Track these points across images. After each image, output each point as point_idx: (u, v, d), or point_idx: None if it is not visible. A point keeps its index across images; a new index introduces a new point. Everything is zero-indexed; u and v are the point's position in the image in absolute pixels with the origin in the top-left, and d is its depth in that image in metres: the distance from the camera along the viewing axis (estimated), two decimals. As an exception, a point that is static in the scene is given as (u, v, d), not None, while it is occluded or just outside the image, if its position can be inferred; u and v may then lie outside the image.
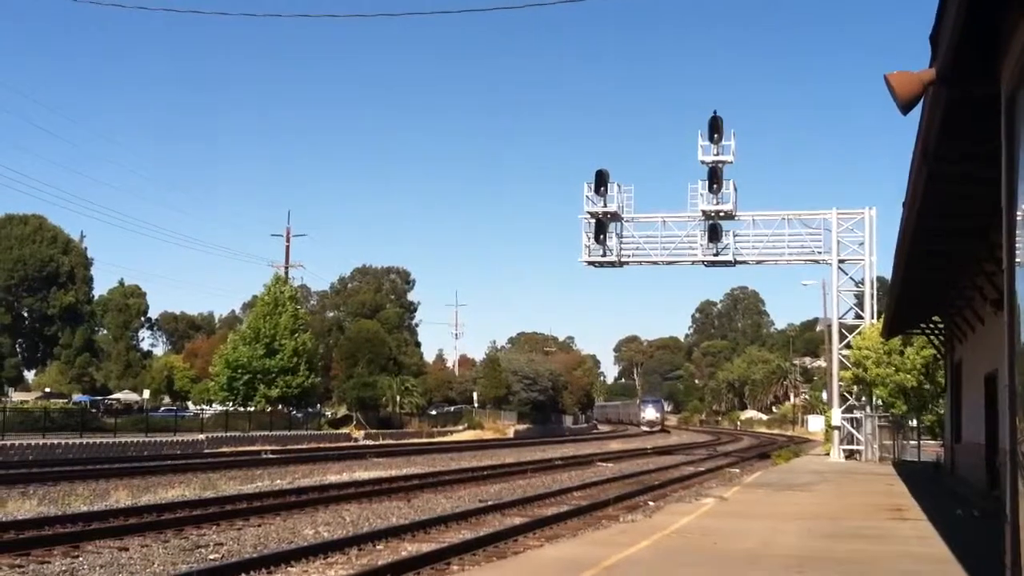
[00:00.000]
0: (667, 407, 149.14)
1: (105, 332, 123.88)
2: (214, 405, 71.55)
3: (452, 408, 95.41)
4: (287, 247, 72.82)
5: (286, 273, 72.04)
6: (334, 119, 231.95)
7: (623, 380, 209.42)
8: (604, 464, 39.83)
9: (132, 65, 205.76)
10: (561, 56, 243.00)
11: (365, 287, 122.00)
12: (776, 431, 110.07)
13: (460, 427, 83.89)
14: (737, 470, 37.72)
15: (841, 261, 44.90)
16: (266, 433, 55.92)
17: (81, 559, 13.47)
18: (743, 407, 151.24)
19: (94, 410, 64.81)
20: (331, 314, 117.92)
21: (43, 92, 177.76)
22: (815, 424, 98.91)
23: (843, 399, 44.97)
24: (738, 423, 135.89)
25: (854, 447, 43.92)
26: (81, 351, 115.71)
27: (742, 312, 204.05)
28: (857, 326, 44.32)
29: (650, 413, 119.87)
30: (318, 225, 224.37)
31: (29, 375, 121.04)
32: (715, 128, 43.03)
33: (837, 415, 44.55)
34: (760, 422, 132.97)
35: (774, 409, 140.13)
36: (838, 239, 44.69)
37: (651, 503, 22.80)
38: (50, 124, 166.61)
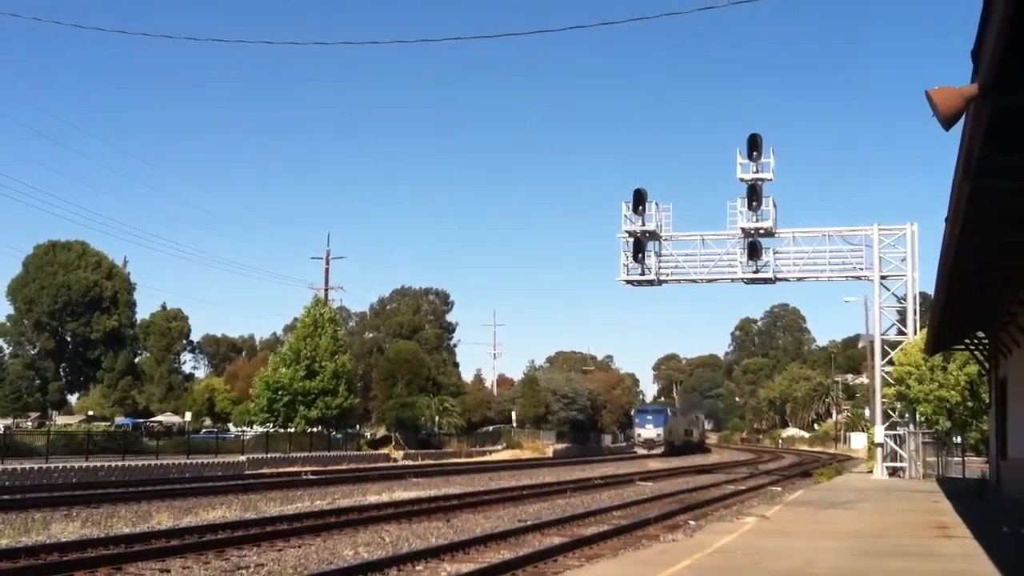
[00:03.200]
0: (707, 424, 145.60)
1: (147, 355, 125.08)
2: (255, 426, 71.96)
3: (491, 428, 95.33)
4: (326, 269, 73.26)
5: (326, 295, 72.43)
6: (372, 142, 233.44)
7: (662, 398, 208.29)
8: (644, 483, 39.59)
9: (170, 89, 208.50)
10: (600, 75, 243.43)
11: (404, 308, 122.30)
12: (818, 449, 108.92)
13: (499, 447, 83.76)
14: (779, 488, 37.34)
15: (883, 277, 44.46)
16: (306, 454, 56.10)
17: (124, 580, 13.57)
18: (784, 425, 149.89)
19: (136, 433, 65.34)
20: (370, 335, 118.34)
21: (81, 117, 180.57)
22: (858, 441, 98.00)
23: (886, 416, 44.45)
24: (779, 441, 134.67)
25: (897, 464, 43.36)
26: (124, 374, 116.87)
27: (783, 329, 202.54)
28: (900, 342, 43.83)
29: (648, 430, 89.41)
30: (357, 247, 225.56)
31: (72, 399, 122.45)
32: (754, 146, 42.85)
33: (880, 432, 44.04)
34: (802, 440, 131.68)
35: (816, 427, 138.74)
36: (880, 255, 44.27)
37: (692, 522, 22.62)
38: (89, 150, 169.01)
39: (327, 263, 73.22)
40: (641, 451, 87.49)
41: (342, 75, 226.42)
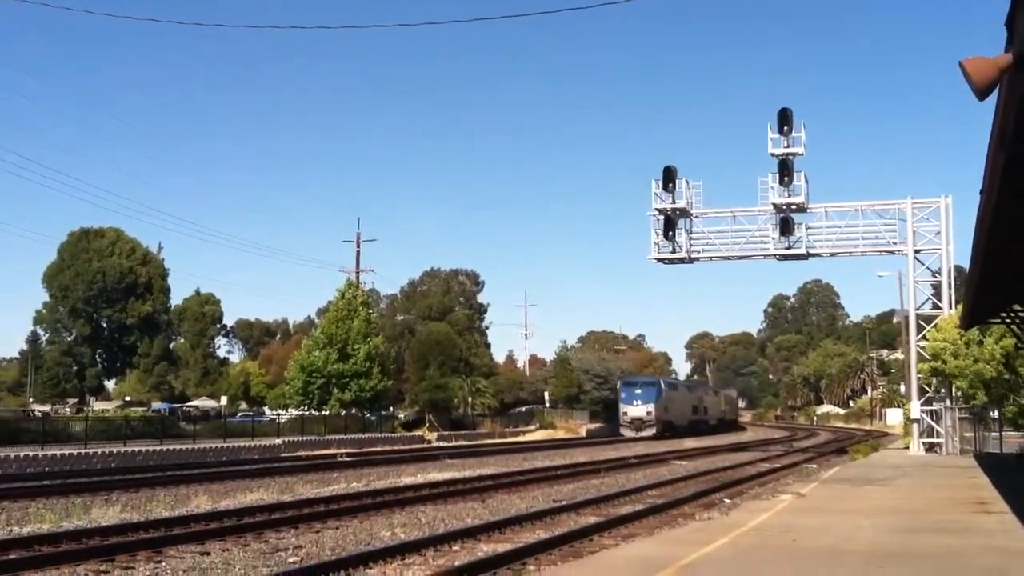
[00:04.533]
0: (741, 402, 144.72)
1: (182, 340, 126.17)
2: (290, 410, 72.52)
3: (523, 408, 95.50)
4: (358, 252, 73.51)
5: (357, 278, 72.71)
6: (400, 123, 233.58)
7: (695, 376, 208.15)
8: (679, 462, 39.56)
9: (200, 75, 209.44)
10: (626, 51, 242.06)
11: (434, 290, 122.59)
12: (853, 425, 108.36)
13: (532, 427, 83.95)
14: (814, 466, 37.21)
15: (917, 251, 44.05)
16: (341, 436, 56.49)
17: (164, 564, 13.73)
18: (819, 402, 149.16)
19: (173, 417, 65.99)
20: (401, 317, 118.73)
21: (113, 103, 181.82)
22: (893, 418, 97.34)
23: (922, 392, 44.12)
24: (814, 418, 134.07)
25: (934, 440, 43.08)
26: (159, 359, 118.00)
27: (816, 305, 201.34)
28: (934, 317, 43.46)
29: (636, 407, 73.56)
30: (387, 229, 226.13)
31: (109, 384, 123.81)
32: (785, 120, 42.49)
33: (916, 408, 43.74)
34: (837, 417, 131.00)
35: (851, 403, 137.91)
36: (913, 229, 43.86)
37: (727, 500, 22.59)
38: (121, 136, 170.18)
39: (358, 246, 73.49)
40: (628, 433, 71.54)
41: (372, 56, 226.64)
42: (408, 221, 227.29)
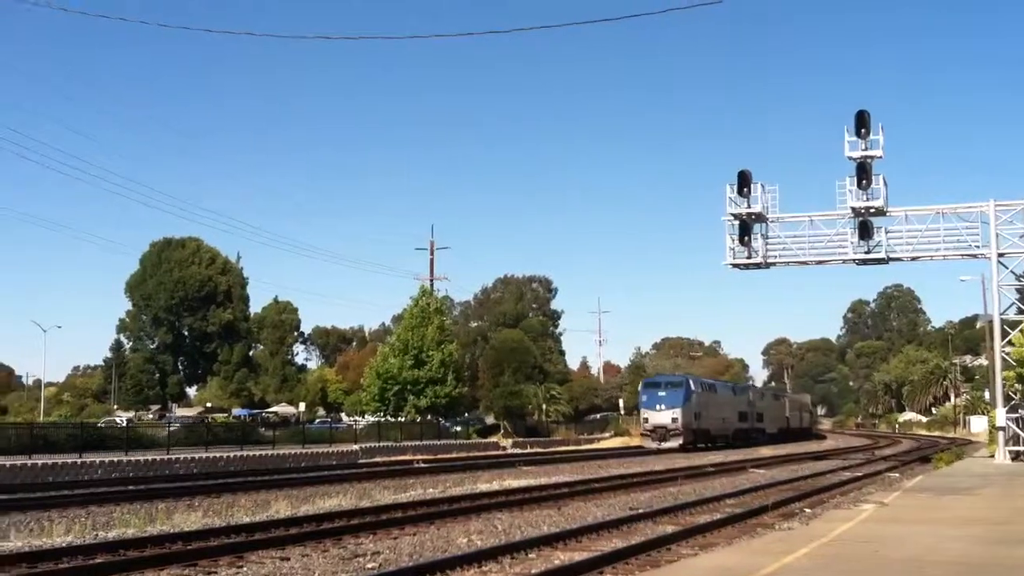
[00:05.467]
0: (819, 409, 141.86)
1: (261, 348, 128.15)
2: (366, 416, 73.26)
3: (598, 415, 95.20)
4: (431, 260, 74.04)
5: (431, 285, 73.21)
6: (473, 131, 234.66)
7: (773, 383, 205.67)
8: (756, 470, 39.08)
9: (275, 86, 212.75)
10: (700, 55, 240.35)
11: (508, 296, 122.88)
12: (936, 433, 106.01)
13: (606, 434, 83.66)
14: (897, 474, 36.47)
15: (1001, 255, 42.94)
16: (417, 443, 56.86)
17: (245, 569, 13.93)
18: (901, 409, 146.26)
19: (253, 423, 67.04)
20: (475, 324, 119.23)
21: (191, 115, 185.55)
22: (978, 425, 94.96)
23: (1007, 398, 42.99)
24: (896, 426, 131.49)
25: (1020, 448, 41.92)
26: (239, 367, 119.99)
27: (897, 311, 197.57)
28: (1020, 322, 42.35)
29: (659, 413, 62.02)
30: (460, 237, 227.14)
31: (191, 391, 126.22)
32: (862, 123, 41.74)
33: (1001, 415, 42.61)
34: (919, 424, 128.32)
35: (933, 410, 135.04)
36: (996, 232, 42.75)
37: (808, 510, 22.24)
38: (199, 148, 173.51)
39: (432, 253, 74.02)
40: (649, 444, 60.86)
41: (445, 64, 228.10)
42: (481, 228, 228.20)
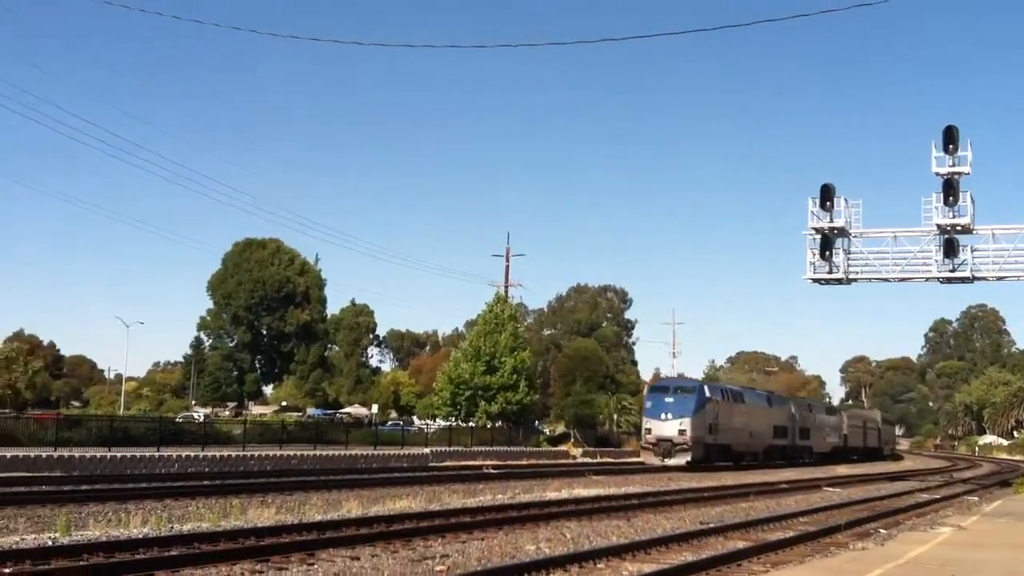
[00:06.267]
0: (898, 429, 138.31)
1: (337, 349, 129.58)
2: (438, 420, 73.62)
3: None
4: (507, 267, 74.21)
5: (506, 292, 73.36)
6: (550, 138, 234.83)
7: (850, 402, 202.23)
8: (831, 489, 38.42)
9: (359, 90, 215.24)
10: (786, 67, 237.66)
11: (581, 305, 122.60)
12: (1018, 457, 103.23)
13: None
14: (975, 498, 35.55)
15: (1092, 277, 41.70)
16: (487, 448, 56.98)
17: (316, 566, 14.06)
18: (981, 431, 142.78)
19: (327, 423, 67.82)
20: (548, 332, 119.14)
21: (275, 122, 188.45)
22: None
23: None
24: (976, 448, 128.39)
25: (1109, 477, 40.58)
26: (315, 367, 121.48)
27: (980, 331, 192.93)
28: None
29: (664, 423, 52.88)
30: (536, 244, 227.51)
31: (267, 389, 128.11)
32: (950, 139, 40.86)
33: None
34: (1000, 448, 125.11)
35: (1015, 434, 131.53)
36: (1088, 253, 41.52)
37: (883, 531, 21.78)
38: (284, 152, 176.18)
39: (507, 260, 74.18)
40: (651, 460, 52.30)
41: (524, 74, 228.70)
42: (556, 236, 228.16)
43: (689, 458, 51.29)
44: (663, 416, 52.68)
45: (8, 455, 32.02)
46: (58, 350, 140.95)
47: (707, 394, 54.86)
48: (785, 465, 60.87)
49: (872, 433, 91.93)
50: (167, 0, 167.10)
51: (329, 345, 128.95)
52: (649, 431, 53.44)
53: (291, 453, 42.27)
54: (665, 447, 51.83)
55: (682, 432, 51.72)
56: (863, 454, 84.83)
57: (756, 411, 62.24)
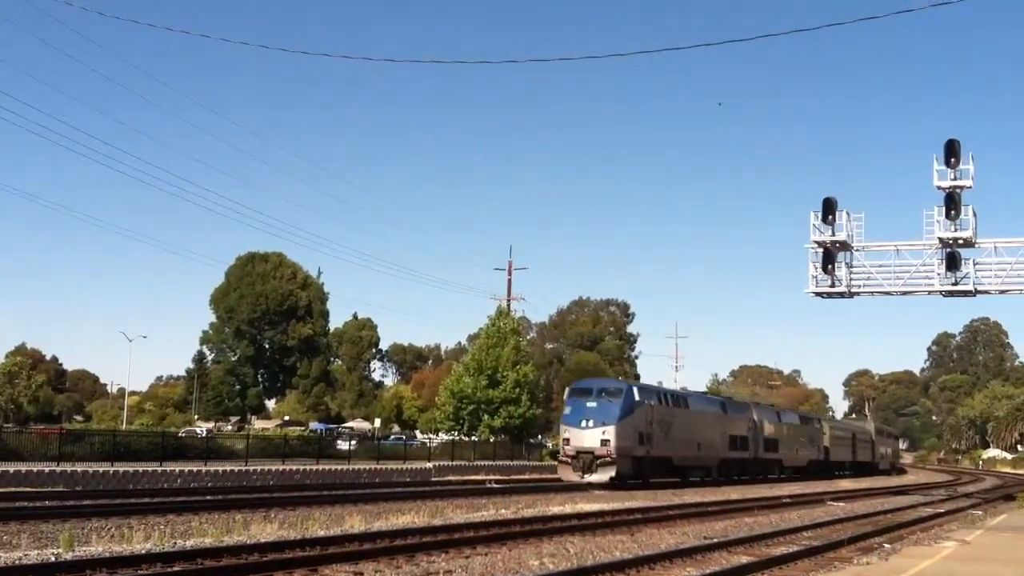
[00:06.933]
0: (901, 443, 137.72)
1: (339, 363, 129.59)
2: (440, 434, 73.54)
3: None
4: (509, 281, 74.24)
5: (508, 306, 73.36)
6: (551, 153, 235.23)
7: (853, 416, 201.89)
8: (835, 503, 38.33)
9: (363, 107, 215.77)
10: (784, 82, 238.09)
11: (584, 319, 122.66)
12: (1022, 471, 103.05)
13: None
14: (979, 512, 35.46)
15: (1095, 290, 41.67)
16: (490, 463, 56.90)
17: (319, 582, 14.03)
18: (985, 445, 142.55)
19: (329, 438, 67.76)
20: (551, 346, 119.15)
21: (280, 136, 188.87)
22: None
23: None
24: (979, 462, 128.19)
25: (1114, 491, 40.47)
26: (317, 381, 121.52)
27: (983, 344, 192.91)
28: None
29: (584, 432, 44.44)
30: (537, 258, 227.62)
31: (270, 404, 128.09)
32: (952, 152, 40.89)
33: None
34: (1004, 461, 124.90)
35: (1020, 448, 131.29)
36: (1091, 266, 41.50)
37: (887, 545, 21.73)
38: (287, 165, 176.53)
39: (509, 274, 74.20)
40: (568, 476, 44.16)
41: (526, 89, 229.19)
42: (558, 250, 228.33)
43: (613, 473, 43.20)
44: (583, 423, 44.62)
45: (11, 470, 32.00)
46: (60, 364, 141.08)
47: (636, 397, 46.18)
48: (747, 481, 55.16)
49: (863, 446, 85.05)
50: (170, 13, 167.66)
51: (331, 359, 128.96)
52: (567, 441, 45.06)
53: (294, 468, 42.24)
54: (585, 460, 43.73)
55: (605, 442, 43.51)
56: (851, 469, 78.87)
57: (705, 418, 53.91)
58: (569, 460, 44.41)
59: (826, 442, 73.53)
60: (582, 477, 43.34)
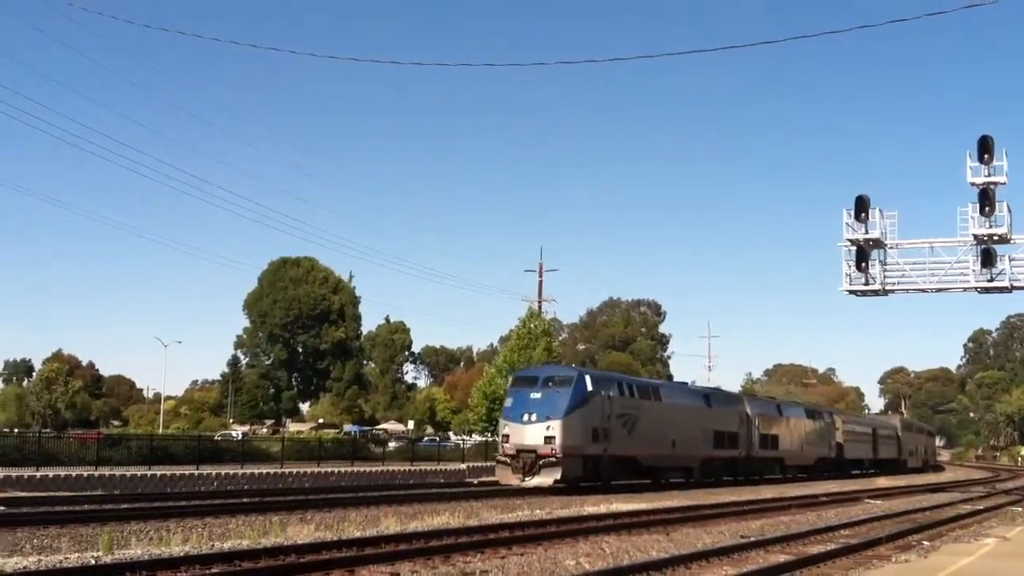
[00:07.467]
0: (938, 440, 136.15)
1: (372, 366, 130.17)
2: (473, 435, 73.66)
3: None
4: (540, 282, 74.12)
5: (539, 307, 73.30)
6: (582, 153, 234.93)
7: (889, 413, 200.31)
8: (872, 501, 38.06)
9: (390, 105, 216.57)
10: (820, 79, 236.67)
11: (615, 319, 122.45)
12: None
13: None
14: (1020, 509, 35.09)
15: None
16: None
17: (356, 582, 14.10)
18: (1023, 441, 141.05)
19: (363, 440, 68.06)
20: (582, 347, 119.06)
21: (310, 143, 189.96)
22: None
23: None
24: (1019, 459, 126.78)
25: None
26: (350, 384, 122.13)
27: (1020, 340, 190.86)
28: None
29: (529, 428, 37.23)
30: (567, 259, 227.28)
31: (304, 407, 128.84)
32: (985, 148, 40.47)
33: None
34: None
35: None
36: None
37: (926, 543, 21.56)
38: (316, 171, 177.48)
39: (540, 275, 74.09)
40: (507, 479, 37.70)
41: (556, 88, 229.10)
42: (588, 251, 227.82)
43: (558, 475, 36.74)
44: (525, 417, 37.87)
45: (51, 474, 32.39)
46: (97, 370, 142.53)
47: (590, 386, 39.22)
48: (735, 483, 50.09)
49: (887, 442, 78.62)
50: (197, 18, 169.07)
51: (364, 362, 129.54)
52: (506, 438, 38.34)
53: (329, 470, 42.47)
54: (526, 460, 37.12)
55: (549, 439, 36.94)
56: (872, 467, 73.90)
57: (681, 412, 47.18)
58: (507, 460, 37.87)
59: (839, 438, 67.96)
60: (522, 480, 37.13)
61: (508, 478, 37.74)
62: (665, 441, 44.65)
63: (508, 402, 40.04)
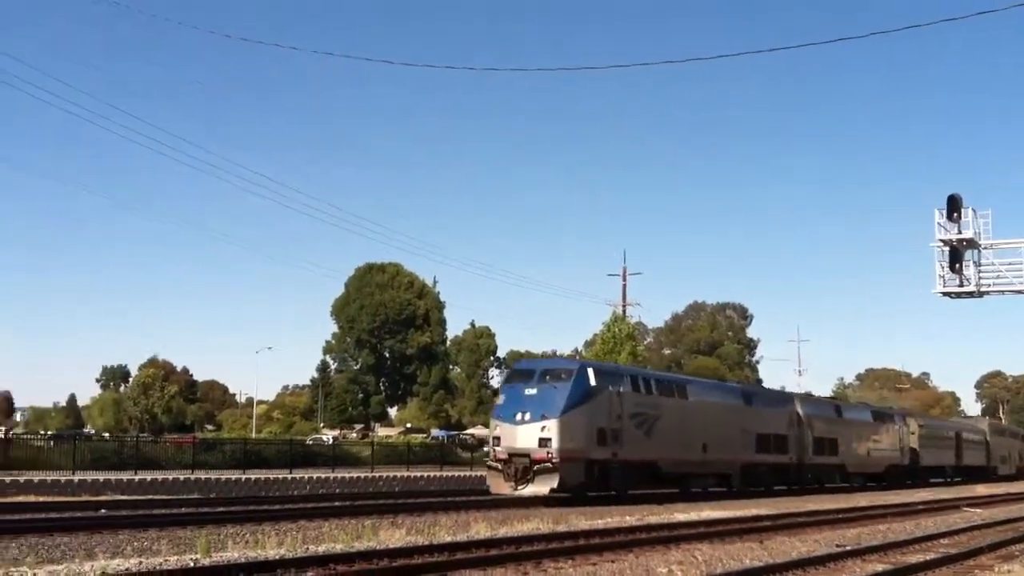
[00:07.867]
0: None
1: (458, 370, 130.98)
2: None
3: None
4: (624, 285, 73.72)
5: (623, 311, 72.93)
6: (666, 156, 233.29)
7: (987, 418, 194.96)
8: (971, 509, 37.08)
9: (471, 112, 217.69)
10: (906, 77, 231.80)
11: (700, 324, 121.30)
12: None
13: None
14: None
15: None
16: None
17: (449, 588, 14.16)
18: None
19: (451, 444, 68.46)
20: (668, 351, 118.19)
21: (395, 148, 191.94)
22: None
23: None
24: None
25: None
26: (437, 388, 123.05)
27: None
28: None
29: (522, 429, 32.13)
30: (652, 262, 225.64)
31: (392, 411, 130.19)
32: (1086, 143, 39.14)
33: None
34: None
35: None
36: None
37: (1030, 553, 20.91)
38: (398, 179, 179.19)
39: (624, 279, 73.69)
40: (498, 487, 33.14)
41: (641, 90, 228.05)
42: (673, 254, 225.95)
43: (555, 483, 31.98)
44: (518, 416, 32.93)
45: (148, 478, 33.20)
46: (191, 375, 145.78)
47: (593, 381, 33.88)
48: (783, 493, 45.19)
49: (973, 447, 72.50)
50: (275, 26, 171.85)
51: (450, 367, 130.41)
52: (497, 440, 33.58)
53: (418, 474, 42.81)
54: (519, 466, 32.41)
55: (544, 442, 32.10)
56: (955, 475, 68.34)
57: (712, 411, 41.48)
58: (498, 465, 33.12)
59: (913, 443, 61.54)
60: (515, 488, 32.49)
61: (500, 486, 33.23)
62: (693, 444, 39.48)
63: (500, 399, 35.54)
